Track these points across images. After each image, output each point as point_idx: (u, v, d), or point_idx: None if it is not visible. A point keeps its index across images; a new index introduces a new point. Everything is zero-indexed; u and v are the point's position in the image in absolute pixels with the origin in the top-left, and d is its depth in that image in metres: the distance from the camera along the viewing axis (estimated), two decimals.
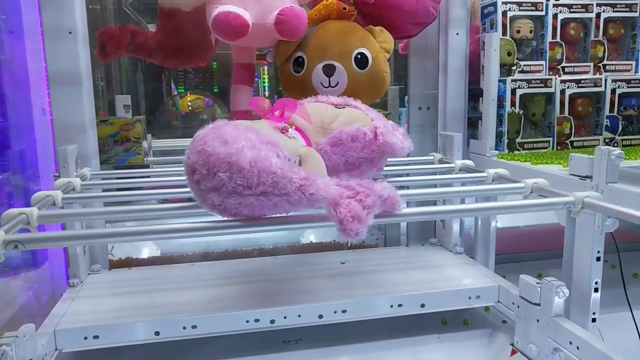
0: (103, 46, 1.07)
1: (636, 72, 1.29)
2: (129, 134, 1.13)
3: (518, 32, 1.24)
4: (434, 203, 1.06)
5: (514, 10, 1.22)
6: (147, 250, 1.39)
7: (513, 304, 0.88)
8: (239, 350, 0.89)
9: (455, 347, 0.94)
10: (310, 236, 1.48)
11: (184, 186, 0.69)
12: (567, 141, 1.25)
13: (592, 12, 1.26)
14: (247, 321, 0.84)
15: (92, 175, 1.00)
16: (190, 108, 2.11)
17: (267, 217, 0.63)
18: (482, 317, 1.03)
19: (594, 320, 0.81)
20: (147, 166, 1.19)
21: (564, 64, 1.26)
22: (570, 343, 0.74)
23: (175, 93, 2.11)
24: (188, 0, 1.07)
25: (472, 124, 1.30)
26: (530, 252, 1.33)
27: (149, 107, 2.03)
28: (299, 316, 0.86)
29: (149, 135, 1.26)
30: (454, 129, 1.21)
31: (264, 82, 2.21)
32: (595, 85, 1.25)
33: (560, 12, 1.24)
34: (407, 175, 1.05)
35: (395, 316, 0.91)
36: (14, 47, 1.05)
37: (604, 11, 1.26)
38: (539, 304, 0.80)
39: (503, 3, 1.20)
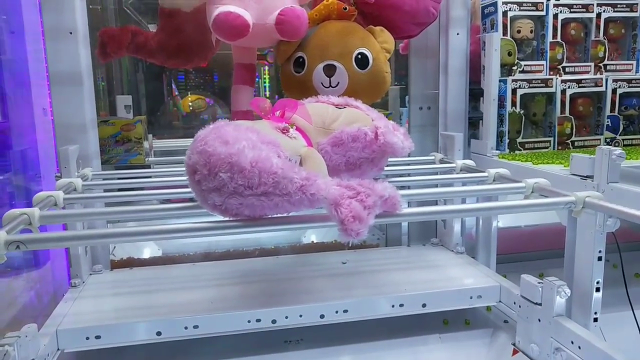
0: (104, 46, 1.07)
1: (637, 71, 1.29)
2: (130, 134, 1.13)
3: (518, 32, 1.24)
4: (435, 203, 1.06)
5: (515, 10, 1.22)
6: (148, 250, 1.40)
7: (514, 303, 0.88)
8: (241, 350, 0.89)
9: (457, 347, 0.94)
10: (312, 236, 1.48)
11: (185, 186, 0.69)
12: (568, 141, 1.25)
13: (592, 12, 1.26)
14: (249, 321, 0.84)
15: (94, 175, 1.00)
16: (191, 108, 2.11)
17: (268, 217, 0.63)
18: (483, 316, 1.03)
19: (595, 319, 0.81)
20: (148, 166, 1.19)
21: (564, 64, 1.26)
22: (572, 343, 0.74)
23: (176, 93, 2.12)
24: (188, 1, 1.07)
25: (473, 124, 1.30)
26: (531, 252, 1.33)
27: (150, 108, 2.03)
28: (301, 316, 0.86)
29: (150, 136, 1.26)
30: (454, 129, 1.21)
31: (264, 82, 2.22)
32: (596, 85, 1.25)
33: (560, 12, 1.24)
34: (408, 175, 1.05)
35: (396, 316, 0.91)
36: (15, 47, 1.06)
37: (604, 11, 1.26)
38: (540, 304, 0.80)
39: (503, 3, 1.20)
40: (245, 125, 0.65)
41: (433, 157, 1.12)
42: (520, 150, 1.22)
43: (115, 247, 1.28)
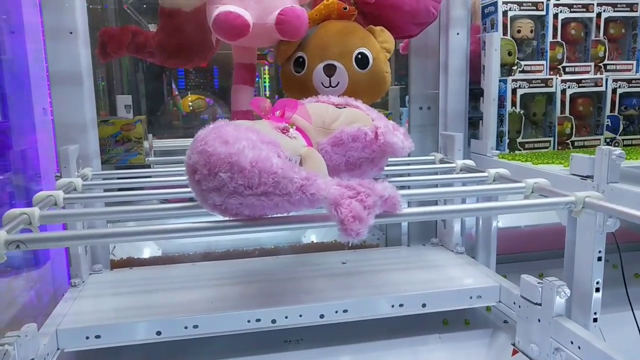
0: (104, 46, 1.07)
1: (637, 71, 1.29)
2: (130, 134, 1.13)
3: (519, 31, 1.24)
4: (435, 203, 1.06)
5: (515, 10, 1.22)
6: (148, 250, 1.40)
7: (514, 303, 0.88)
8: (240, 350, 0.89)
9: (457, 347, 0.94)
10: (312, 236, 1.48)
11: (185, 186, 0.69)
12: (568, 141, 1.25)
13: (592, 11, 1.26)
14: (249, 321, 0.84)
15: (94, 175, 1.00)
16: (191, 108, 2.11)
17: (268, 217, 0.63)
18: (483, 317, 1.03)
19: (595, 320, 0.81)
20: (148, 166, 1.19)
21: (564, 64, 1.26)
22: (572, 343, 0.74)
23: (177, 93, 2.12)
24: (188, 1, 1.07)
25: (473, 123, 1.30)
26: (531, 252, 1.33)
27: (150, 107, 2.03)
28: (300, 316, 0.86)
29: (150, 135, 1.26)
30: (454, 128, 1.21)
31: (264, 82, 2.22)
32: (596, 85, 1.25)
33: (560, 11, 1.24)
34: (408, 175, 1.05)
35: (396, 316, 0.91)
36: (15, 47, 1.06)
37: (604, 11, 1.26)
38: (540, 304, 0.80)
39: (504, 3, 1.20)
40: (245, 125, 0.65)
41: (433, 157, 1.12)
42: (520, 150, 1.22)
43: (115, 246, 1.28)
